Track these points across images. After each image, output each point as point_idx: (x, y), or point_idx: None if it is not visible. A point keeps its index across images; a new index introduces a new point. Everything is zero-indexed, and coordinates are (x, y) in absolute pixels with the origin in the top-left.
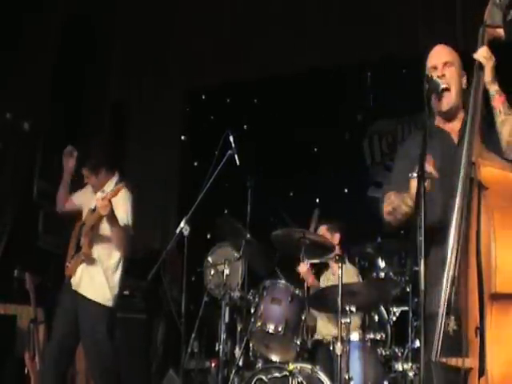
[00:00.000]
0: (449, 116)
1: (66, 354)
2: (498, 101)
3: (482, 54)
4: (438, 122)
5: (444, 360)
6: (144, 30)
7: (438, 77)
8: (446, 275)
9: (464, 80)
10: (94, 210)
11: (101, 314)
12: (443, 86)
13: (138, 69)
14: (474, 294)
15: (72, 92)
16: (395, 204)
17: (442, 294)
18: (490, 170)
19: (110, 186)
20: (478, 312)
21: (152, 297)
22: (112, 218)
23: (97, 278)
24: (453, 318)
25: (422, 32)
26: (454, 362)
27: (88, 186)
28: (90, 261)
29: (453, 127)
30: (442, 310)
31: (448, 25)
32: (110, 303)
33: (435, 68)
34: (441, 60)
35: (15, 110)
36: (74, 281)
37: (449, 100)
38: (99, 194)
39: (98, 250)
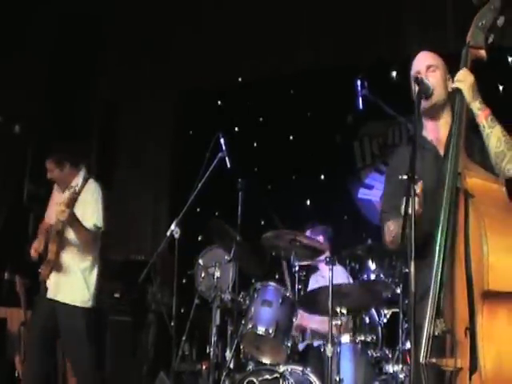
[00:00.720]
0: (433, 114)
1: (46, 354)
2: (481, 117)
3: (457, 79)
4: (425, 129)
5: (434, 361)
6: (138, 30)
7: None
8: (433, 278)
9: (449, 84)
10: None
11: (81, 316)
12: (432, 88)
13: (131, 70)
14: (462, 296)
15: (64, 93)
16: (395, 232)
17: (430, 296)
18: (475, 181)
19: (76, 181)
20: (467, 313)
21: (142, 299)
22: (73, 222)
23: (74, 282)
24: (442, 320)
25: (414, 35)
26: (443, 362)
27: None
28: (59, 268)
29: (440, 136)
30: (430, 312)
31: (439, 29)
32: (89, 304)
33: (419, 73)
34: (424, 64)
35: (6, 112)
36: (50, 288)
37: (434, 100)
38: (63, 196)
39: (71, 253)
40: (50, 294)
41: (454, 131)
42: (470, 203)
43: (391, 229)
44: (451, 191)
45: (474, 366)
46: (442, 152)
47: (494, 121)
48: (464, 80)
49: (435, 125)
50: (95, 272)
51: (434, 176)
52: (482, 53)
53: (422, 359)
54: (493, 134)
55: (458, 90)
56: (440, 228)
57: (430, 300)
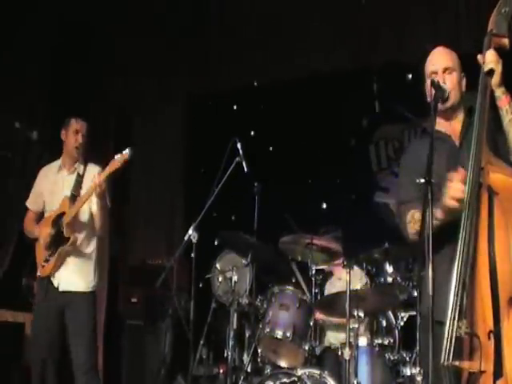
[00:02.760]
0: (448, 115)
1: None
2: (504, 101)
3: (492, 59)
4: (438, 124)
5: (456, 363)
6: (148, 33)
7: None
8: (455, 279)
9: (463, 82)
10: (73, 196)
11: (91, 302)
12: (448, 91)
13: (143, 77)
14: (485, 298)
15: (73, 98)
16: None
17: (451, 298)
18: (499, 177)
19: (79, 166)
20: (490, 316)
21: (160, 304)
22: (103, 195)
23: (84, 267)
24: (464, 321)
25: (427, 36)
26: (466, 365)
27: (43, 174)
28: (77, 251)
29: (453, 129)
30: (451, 313)
31: (452, 29)
32: (95, 288)
33: (435, 73)
34: (441, 66)
35: (23, 119)
36: (59, 280)
37: (450, 103)
38: (96, 170)
39: (80, 238)
40: (60, 286)
41: (478, 120)
42: (495, 200)
43: (416, 217)
44: (473, 187)
45: (498, 371)
46: (456, 143)
47: None
48: (497, 61)
49: (449, 122)
50: (97, 254)
51: (451, 164)
52: (505, 41)
53: (444, 361)
54: None
55: (488, 73)
56: (462, 224)
57: (450, 300)
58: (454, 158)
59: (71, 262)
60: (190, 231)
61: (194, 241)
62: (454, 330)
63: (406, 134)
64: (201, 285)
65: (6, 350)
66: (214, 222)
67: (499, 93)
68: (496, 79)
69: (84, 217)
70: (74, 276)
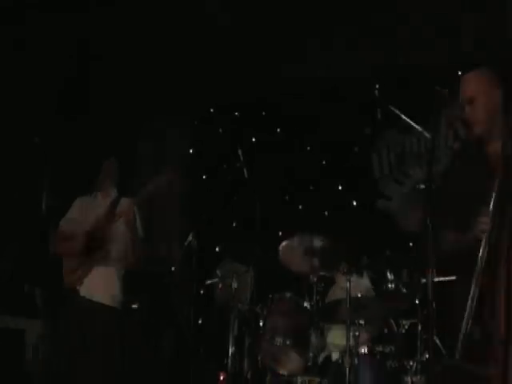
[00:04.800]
0: (481, 141)
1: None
2: None
3: None
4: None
5: (468, 365)
6: (151, 42)
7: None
8: (474, 283)
9: (496, 98)
10: (108, 215)
11: (113, 318)
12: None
13: (145, 81)
14: (500, 306)
15: (80, 107)
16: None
17: (469, 300)
18: None
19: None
20: (504, 324)
21: (160, 310)
22: (133, 224)
23: (110, 281)
24: (478, 327)
25: (428, 42)
26: (476, 368)
27: (79, 204)
28: (107, 260)
29: (491, 150)
30: (468, 315)
31: (452, 38)
32: (119, 304)
33: (464, 100)
34: (465, 96)
35: (25, 125)
36: (86, 289)
37: (475, 133)
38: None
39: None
40: (86, 294)
41: None
42: None
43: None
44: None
45: (505, 378)
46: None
47: None
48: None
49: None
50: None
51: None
52: None
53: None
54: None
55: None
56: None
57: (468, 303)
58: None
59: (98, 274)
60: (190, 237)
61: (195, 247)
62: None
63: (407, 140)
64: (202, 291)
65: (6, 355)
66: (215, 228)
67: None
68: None
69: (116, 234)
70: (99, 287)
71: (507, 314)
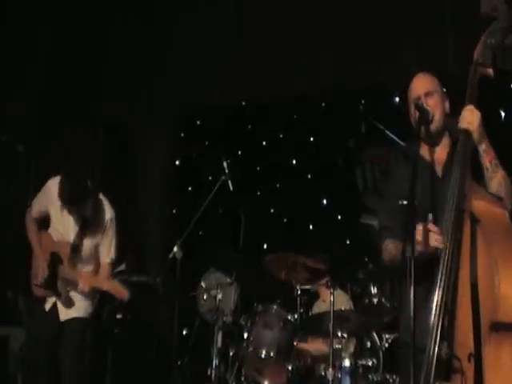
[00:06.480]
0: (432, 140)
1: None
2: (485, 159)
3: (465, 120)
4: (423, 150)
5: None
6: (137, 51)
7: None
8: (436, 302)
9: (447, 105)
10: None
11: (85, 328)
12: (432, 113)
13: (131, 93)
14: (465, 322)
15: (64, 115)
16: (393, 254)
17: (432, 320)
18: (481, 203)
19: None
20: (470, 340)
21: (144, 321)
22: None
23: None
24: (446, 343)
25: (414, 59)
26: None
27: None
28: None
29: (437, 156)
30: (433, 335)
31: (439, 52)
32: (89, 315)
33: (419, 98)
34: (422, 90)
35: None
36: (64, 307)
37: (434, 126)
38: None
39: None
40: (62, 314)
41: (458, 169)
42: (478, 228)
43: (388, 249)
44: (456, 213)
45: None
46: (439, 173)
47: (497, 166)
48: (472, 121)
49: (433, 148)
50: None
51: (429, 196)
52: (490, 71)
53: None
54: (495, 178)
55: (465, 131)
56: (444, 249)
57: (432, 323)
58: (435, 187)
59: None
60: (175, 249)
61: (179, 258)
62: (435, 351)
63: (392, 156)
64: (186, 303)
65: None
66: (200, 239)
67: (481, 150)
68: (475, 137)
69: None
70: (75, 302)
71: (475, 328)
